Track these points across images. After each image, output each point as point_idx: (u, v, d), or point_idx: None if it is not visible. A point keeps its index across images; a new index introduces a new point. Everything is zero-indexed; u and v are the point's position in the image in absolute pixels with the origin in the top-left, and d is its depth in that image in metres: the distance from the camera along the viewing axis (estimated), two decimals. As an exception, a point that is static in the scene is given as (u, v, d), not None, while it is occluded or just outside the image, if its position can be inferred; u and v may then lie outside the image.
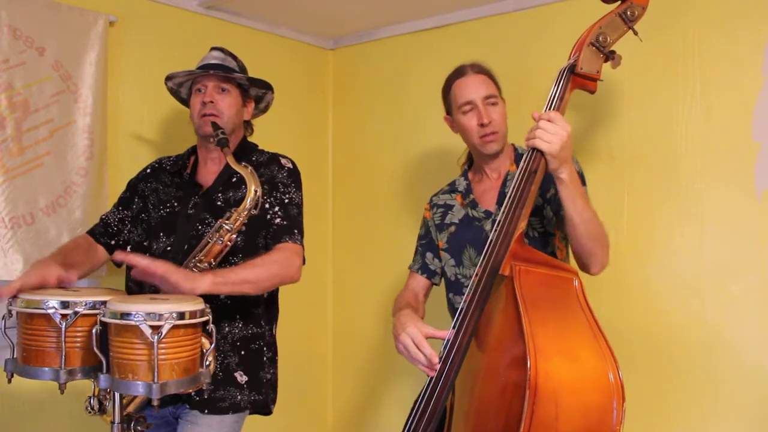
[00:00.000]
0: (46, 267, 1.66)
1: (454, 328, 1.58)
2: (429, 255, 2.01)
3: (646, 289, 2.32)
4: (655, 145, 2.31)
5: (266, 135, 2.23)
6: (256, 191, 1.80)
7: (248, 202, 1.80)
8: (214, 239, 1.79)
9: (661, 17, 2.27)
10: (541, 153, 1.60)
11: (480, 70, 1.90)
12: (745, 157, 2.14)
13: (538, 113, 1.63)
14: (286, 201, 1.96)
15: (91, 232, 2.01)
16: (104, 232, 2.00)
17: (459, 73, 1.91)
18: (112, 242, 2.00)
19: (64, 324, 1.41)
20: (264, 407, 2.00)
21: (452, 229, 1.95)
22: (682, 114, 2.26)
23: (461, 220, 1.94)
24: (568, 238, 1.75)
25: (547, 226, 1.85)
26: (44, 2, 2.21)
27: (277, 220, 1.93)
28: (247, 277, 1.78)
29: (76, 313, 1.42)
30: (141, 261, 1.63)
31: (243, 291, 1.80)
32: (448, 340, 1.58)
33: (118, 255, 1.72)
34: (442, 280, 2.01)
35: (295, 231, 1.94)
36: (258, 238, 1.94)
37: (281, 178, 1.98)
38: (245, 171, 1.82)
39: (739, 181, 2.15)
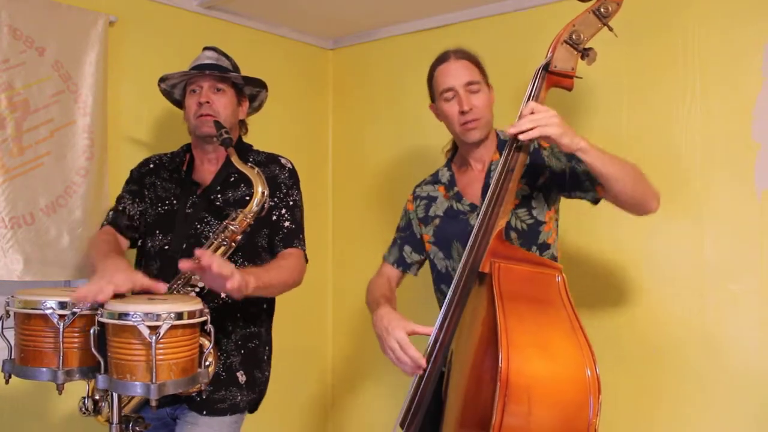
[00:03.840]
0: (132, 273, 1.60)
1: (437, 326, 1.63)
2: (407, 248, 2.02)
3: (645, 288, 2.32)
4: (654, 144, 2.31)
5: (266, 135, 2.23)
6: (263, 192, 1.80)
7: (255, 203, 1.80)
8: (219, 240, 1.79)
9: (660, 17, 2.26)
10: (528, 145, 1.64)
11: (462, 55, 1.86)
12: (745, 157, 2.14)
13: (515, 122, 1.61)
14: (292, 204, 1.98)
15: (116, 225, 1.95)
16: (129, 226, 1.96)
17: (441, 59, 1.88)
18: (137, 236, 1.98)
19: (62, 324, 1.41)
20: (255, 405, 2.00)
21: (437, 222, 1.94)
22: (682, 114, 2.26)
23: (445, 213, 1.93)
24: (614, 198, 1.72)
25: (537, 215, 1.84)
26: (44, 2, 2.21)
27: (286, 224, 1.96)
28: (277, 283, 1.83)
29: (74, 313, 1.42)
30: (215, 263, 1.55)
31: (265, 294, 1.83)
32: (432, 338, 1.62)
33: (199, 252, 1.59)
34: (419, 271, 2.03)
35: (301, 236, 1.99)
36: (258, 238, 1.94)
37: (283, 179, 1.99)
38: (252, 172, 1.82)
39: (739, 180, 2.15)
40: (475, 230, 1.63)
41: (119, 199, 2.02)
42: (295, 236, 1.97)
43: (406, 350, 1.62)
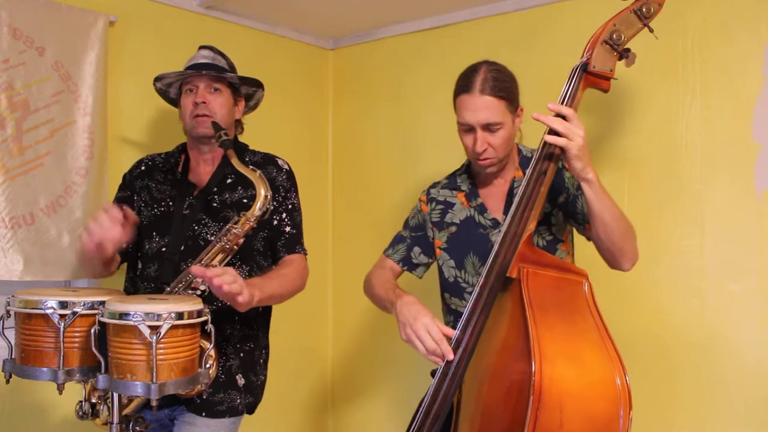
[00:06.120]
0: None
1: (459, 329, 1.57)
2: (416, 249, 1.95)
3: (646, 288, 2.32)
4: (655, 145, 2.31)
5: (266, 135, 2.23)
6: (266, 195, 1.79)
7: (258, 206, 1.79)
8: (222, 243, 1.79)
9: (661, 17, 2.24)
10: (560, 154, 1.58)
11: (490, 89, 1.69)
12: (745, 158, 2.14)
13: (553, 104, 1.57)
14: (291, 207, 1.97)
15: None
16: None
17: (466, 86, 1.72)
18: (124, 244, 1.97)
19: (63, 324, 1.41)
20: (252, 409, 2.00)
21: (453, 229, 1.88)
22: (682, 114, 2.26)
23: (463, 222, 1.86)
24: (596, 240, 1.68)
25: (557, 233, 1.80)
26: (44, 2, 2.21)
27: (287, 229, 1.96)
28: (281, 293, 1.84)
29: (74, 313, 1.42)
30: (225, 282, 1.57)
31: (269, 303, 1.84)
32: (454, 341, 1.57)
33: (196, 270, 1.60)
34: (425, 274, 1.96)
35: (302, 240, 2.00)
36: (255, 242, 1.93)
37: (281, 182, 1.98)
38: (254, 175, 1.81)
39: (739, 181, 2.15)
40: (502, 234, 1.59)
41: None
42: (296, 241, 1.98)
43: (439, 342, 1.55)
